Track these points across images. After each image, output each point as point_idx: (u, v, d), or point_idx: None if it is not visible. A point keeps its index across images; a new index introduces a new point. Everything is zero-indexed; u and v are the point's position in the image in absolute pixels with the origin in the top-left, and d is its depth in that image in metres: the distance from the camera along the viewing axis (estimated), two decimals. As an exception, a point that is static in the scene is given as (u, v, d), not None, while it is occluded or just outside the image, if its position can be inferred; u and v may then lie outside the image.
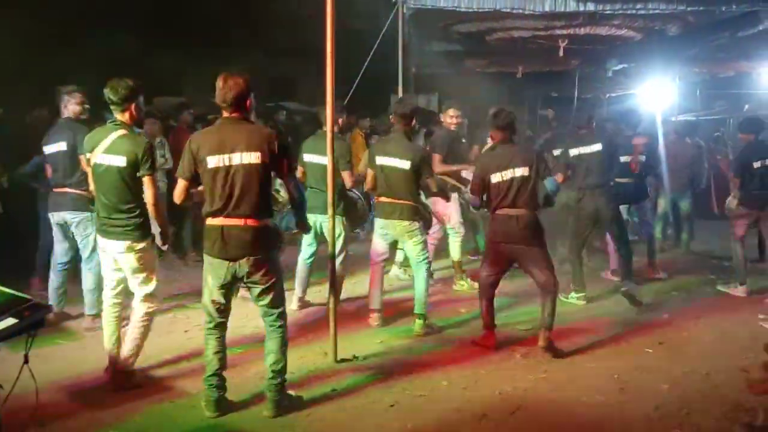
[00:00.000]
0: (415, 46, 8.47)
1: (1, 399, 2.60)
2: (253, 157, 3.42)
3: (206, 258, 3.57)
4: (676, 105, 11.14)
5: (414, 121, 5.21)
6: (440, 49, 9.78)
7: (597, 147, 5.85)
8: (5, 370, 2.62)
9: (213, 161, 3.42)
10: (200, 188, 3.56)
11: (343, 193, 5.36)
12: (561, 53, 8.48)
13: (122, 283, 4.09)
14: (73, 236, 5.07)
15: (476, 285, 5.10)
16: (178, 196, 3.61)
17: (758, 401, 3.79)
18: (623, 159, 6.38)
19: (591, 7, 7.07)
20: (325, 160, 4.51)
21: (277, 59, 12.93)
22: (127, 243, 3.89)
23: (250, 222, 3.45)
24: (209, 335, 3.64)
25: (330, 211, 4.44)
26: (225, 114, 3.53)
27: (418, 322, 5.08)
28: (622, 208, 6.40)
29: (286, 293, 3.78)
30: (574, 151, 5.92)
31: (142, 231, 3.93)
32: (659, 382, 4.13)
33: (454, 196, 6.23)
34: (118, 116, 3.91)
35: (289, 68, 13.63)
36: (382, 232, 5.21)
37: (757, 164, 6.12)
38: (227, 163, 3.41)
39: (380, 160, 5.07)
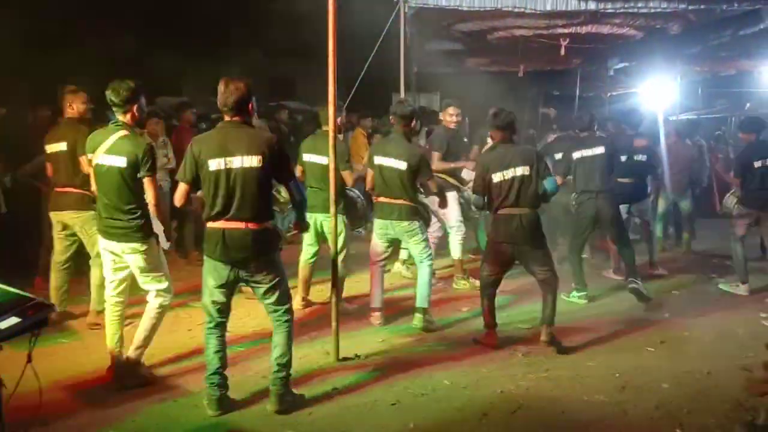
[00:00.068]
0: (416, 45, 8.47)
1: (4, 398, 2.61)
2: (254, 161, 3.43)
3: (207, 260, 3.58)
4: (677, 103, 11.13)
5: (414, 122, 5.21)
6: (442, 48, 9.77)
7: (599, 150, 5.84)
8: (8, 369, 2.62)
9: (214, 164, 3.44)
10: (199, 193, 3.58)
11: (343, 192, 5.37)
12: (562, 52, 8.46)
13: (124, 282, 4.11)
14: (74, 235, 5.08)
15: (477, 284, 5.11)
16: (178, 199, 3.64)
17: (759, 400, 3.79)
18: (623, 159, 6.38)
19: (592, 5, 7.06)
20: (325, 159, 4.53)
21: (277, 59, 12.95)
22: (131, 245, 3.92)
23: (251, 225, 3.47)
24: (210, 335, 3.66)
25: (332, 209, 4.45)
26: (226, 118, 3.54)
27: (418, 316, 5.09)
28: (622, 207, 6.40)
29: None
30: (576, 154, 5.91)
31: (144, 232, 3.95)
32: (660, 380, 4.13)
33: (453, 194, 6.24)
34: (120, 117, 3.92)
35: (289, 68, 13.65)
36: (382, 232, 5.22)
37: (757, 164, 6.11)
38: (228, 167, 3.42)
39: (379, 161, 5.09)
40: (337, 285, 4.47)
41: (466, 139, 6.78)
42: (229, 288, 3.61)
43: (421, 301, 5.11)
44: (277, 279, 3.61)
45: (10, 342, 2.48)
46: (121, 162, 3.84)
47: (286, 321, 3.68)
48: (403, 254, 6.74)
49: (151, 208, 3.95)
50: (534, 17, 7.43)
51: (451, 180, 6.29)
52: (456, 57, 10.41)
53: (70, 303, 5.32)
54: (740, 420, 3.58)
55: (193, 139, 3.65)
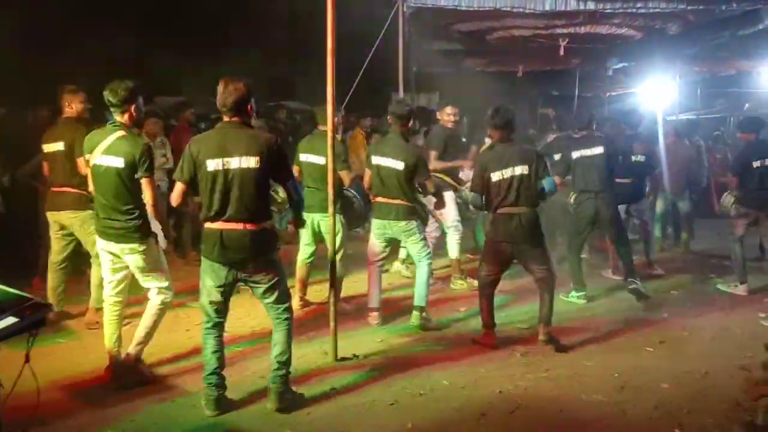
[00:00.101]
0: (415, 45, 8.47)
1: (2, 398, 2.61)
2: (252, 162, 3.43)
3: (205, 261, 3.58)
4: (676, 104, 11.13)
5: (411, 122, 5.21)
6: (441, 48, 9.79)
7: (598, 150, 5.84)
8: (6, 369, 2.62)
9: (212, 165, 3.44)
10: (197, 199, 3.58)
11: (340, 192, 5.37)
12: (561, 52, 8.47)
13: (123, 282, 4.11)
14: (71, 235, 5.07)
15: (475, 284, 5.10)
16: (175, 199, 3.64)
17: (758, 402, 3.78)
18: (622, 159, 6.38)
19: (591, 5, 7.07)
20: (322, 159, 4.53)
21: (277, 59, 12.93)
22: (130, 245, 3.92)
23: (249, 226, 3.47)
24: (207, 335, 3.66)
25: (330, 209, 4.45)
26: (225, 118, 3.54)
27: (415, 314, 5.10)
28: (621, 207, 6.41)
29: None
30: (575, 154, 5.92)
31: (143, 232, 3.95)
32: (659, 380, 4.13)
33: (450, 194, 6.24)
34: (118, 118, 3.92)
35: (289, 68, 13.65)
36: (379, 232, 5.22)
37: (756, 164, 6.11)
38: (226, 167, 3.42)
39: (376, 160, 5.09)
40: (335, 285, 4.46)
41: (464, 139, 6.77)
42: (227, 288, 3.60)
43: (419, 300, 5.11)
44: (276, 278, 3.61)
45: (7, 342, 2.48)
46: (118, 162, 3.84)
47: (285, 319, 3.69)
48: (402, 253, 6.74)
49: (149, 209, 3.95)
50: (533, 17, 7.44)
51: (449, 179, 6.28)
52: (455, 57, 10.43)
53: (68, 303, 5.31)
54: (739, 420, 3.58)
55: (192, 139, 3.66)
